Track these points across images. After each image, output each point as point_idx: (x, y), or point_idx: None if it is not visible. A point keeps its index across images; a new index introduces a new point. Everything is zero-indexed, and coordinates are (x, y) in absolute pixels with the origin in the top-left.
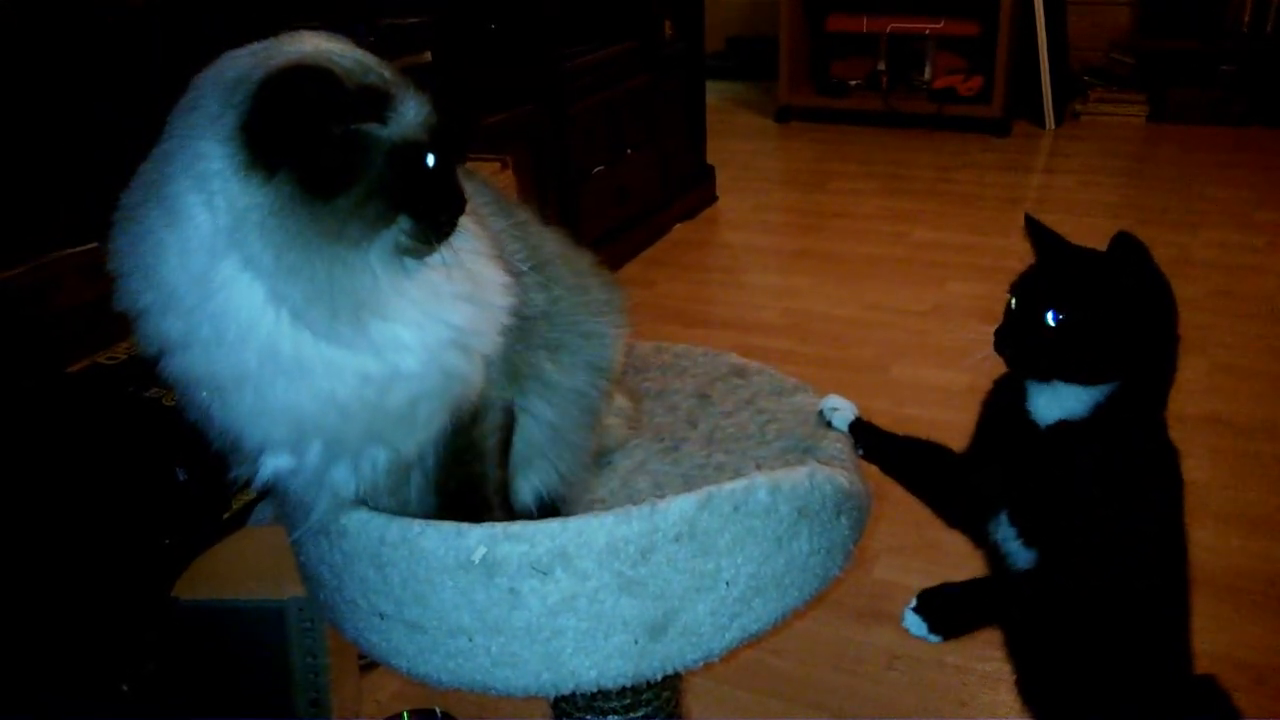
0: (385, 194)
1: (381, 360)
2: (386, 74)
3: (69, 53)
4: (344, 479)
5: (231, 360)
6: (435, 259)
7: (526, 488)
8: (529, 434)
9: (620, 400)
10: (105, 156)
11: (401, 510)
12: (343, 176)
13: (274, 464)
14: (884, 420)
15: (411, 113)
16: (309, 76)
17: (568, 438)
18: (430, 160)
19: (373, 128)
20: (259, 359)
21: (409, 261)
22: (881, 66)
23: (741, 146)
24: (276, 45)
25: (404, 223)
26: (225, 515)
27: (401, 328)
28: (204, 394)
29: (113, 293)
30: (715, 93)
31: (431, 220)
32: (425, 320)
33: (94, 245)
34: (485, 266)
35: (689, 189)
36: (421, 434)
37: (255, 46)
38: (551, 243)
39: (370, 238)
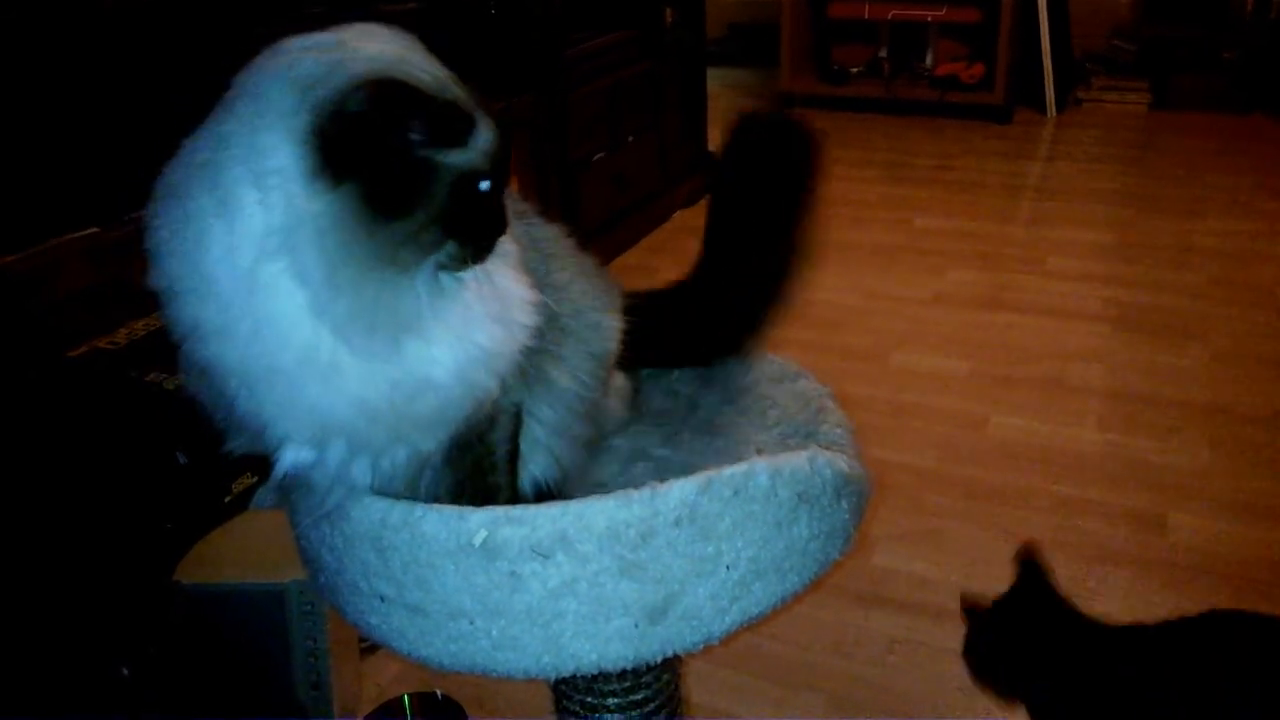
0: (442, 221)
1: (413, 372)
2: (460, 92)
3: (69, 37)
4: (362, 474)
5: (268, 356)
6: (468, 274)
7: (525, 477)
8: (532, 434)
9: (618, 379)
10: (105, 142)
11: (411, 499)
12: (407, 200)
13: (294, 457)
14: (882, 407)
15: (483, 140)
16: (399, 96)
17: (568, 430)
18: (484, 185)
19: (444, 154)
20: (295, 360)
21: (444, 278)
22: (883, 53)
23: None
24: (347, 44)
25: (450, 247)
26: (226, 499)
27: (435, 347)
28: (234, 383)
29: (145, 270)
30: (716, 79)
31: (475, 244)
32: (458, 341)
33: (94, 230)
34: (513, 283)
35: (690, 176)
36: (443, 433)
37: (320, 39)
38: (555, 238)
39: (420, 263)
